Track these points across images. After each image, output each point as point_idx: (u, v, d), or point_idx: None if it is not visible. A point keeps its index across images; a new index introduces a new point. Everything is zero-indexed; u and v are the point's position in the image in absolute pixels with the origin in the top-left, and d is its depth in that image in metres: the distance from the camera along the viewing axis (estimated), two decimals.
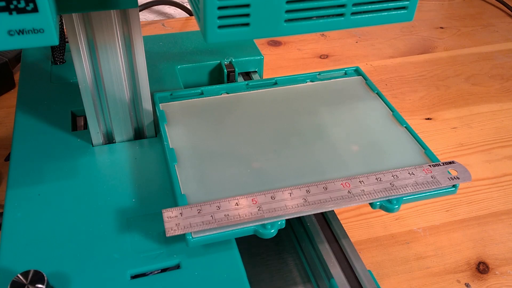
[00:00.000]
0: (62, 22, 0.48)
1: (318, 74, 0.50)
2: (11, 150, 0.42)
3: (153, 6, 0.82)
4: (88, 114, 0.41)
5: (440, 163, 0.38)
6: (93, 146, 0.43)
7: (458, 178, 0.36)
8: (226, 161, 0.39)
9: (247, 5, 0.26)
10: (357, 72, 0.51)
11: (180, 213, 0.33)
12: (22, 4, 0.24)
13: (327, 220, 0.40)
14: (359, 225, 0.49)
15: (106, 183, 0.39)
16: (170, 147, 0.40)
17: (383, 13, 0.30)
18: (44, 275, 0.30)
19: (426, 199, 0.37)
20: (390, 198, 0.35)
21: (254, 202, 0.34)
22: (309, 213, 0.34)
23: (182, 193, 0.36)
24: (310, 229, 0.40)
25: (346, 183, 0.36)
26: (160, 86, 0.50)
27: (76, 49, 0.37)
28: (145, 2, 0.80)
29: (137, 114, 0.43)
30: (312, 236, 0.39)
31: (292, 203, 0.34)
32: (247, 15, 0.26)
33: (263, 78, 0.56)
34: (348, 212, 0.50)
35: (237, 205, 0.34)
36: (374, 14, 0.29)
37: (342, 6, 0.28)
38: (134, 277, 0.33)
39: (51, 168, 0.40)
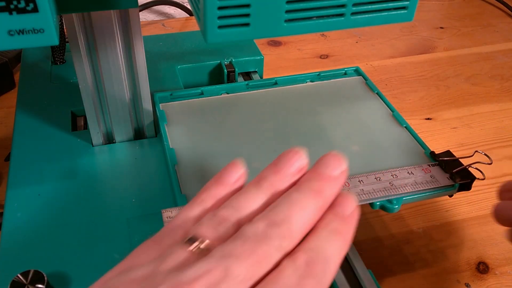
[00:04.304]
0: (62, 22, 0.48)
1: (318, 74, 0.50)
2: (11, 150, 0.42)
3: (153, 6, 0.82)
4: (88, 114, 0.41)
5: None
6: (93, 146, 0.43)
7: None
8: (226, 161, 0.39)
9: (247, 5, 0.26)
10: (357, 72, 0.51)
11: None
12: (22, 4, 0.24)
13: None
14: (359, 224, 0.49)
15: (106, 183, 0.39)
16: (170, 147, 0.40)
17: (383, 13, 0.30)
18: (44, 275, 0.30)
19: (426, 199, 0.37)
20: (389, 198, 0.35)
21: None
22: None
23: (182, 193, 0.36)
24: None
25: (345, 183, 0.36)
26: (160, 86, 0.50)
27: (76, 49, 0.37)
28: (145, 2, 0.80)
29: (137, 114, 0.43)
30: None
31: None
32: (247, 15, 0.26)
33: (263, 78, 0.56)
34: None
35: None
36: (374, 14, 0.29)
37: (342, 6, 0.28)
38: None
39: (51, 168, 0.40)
